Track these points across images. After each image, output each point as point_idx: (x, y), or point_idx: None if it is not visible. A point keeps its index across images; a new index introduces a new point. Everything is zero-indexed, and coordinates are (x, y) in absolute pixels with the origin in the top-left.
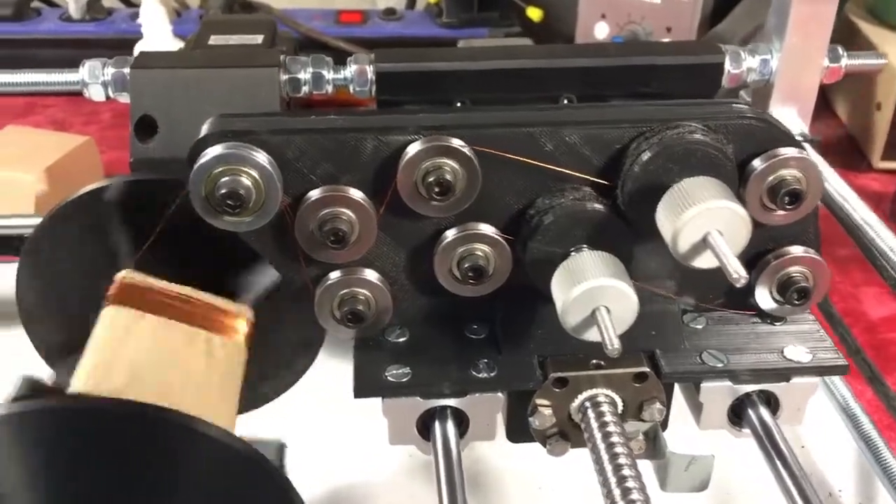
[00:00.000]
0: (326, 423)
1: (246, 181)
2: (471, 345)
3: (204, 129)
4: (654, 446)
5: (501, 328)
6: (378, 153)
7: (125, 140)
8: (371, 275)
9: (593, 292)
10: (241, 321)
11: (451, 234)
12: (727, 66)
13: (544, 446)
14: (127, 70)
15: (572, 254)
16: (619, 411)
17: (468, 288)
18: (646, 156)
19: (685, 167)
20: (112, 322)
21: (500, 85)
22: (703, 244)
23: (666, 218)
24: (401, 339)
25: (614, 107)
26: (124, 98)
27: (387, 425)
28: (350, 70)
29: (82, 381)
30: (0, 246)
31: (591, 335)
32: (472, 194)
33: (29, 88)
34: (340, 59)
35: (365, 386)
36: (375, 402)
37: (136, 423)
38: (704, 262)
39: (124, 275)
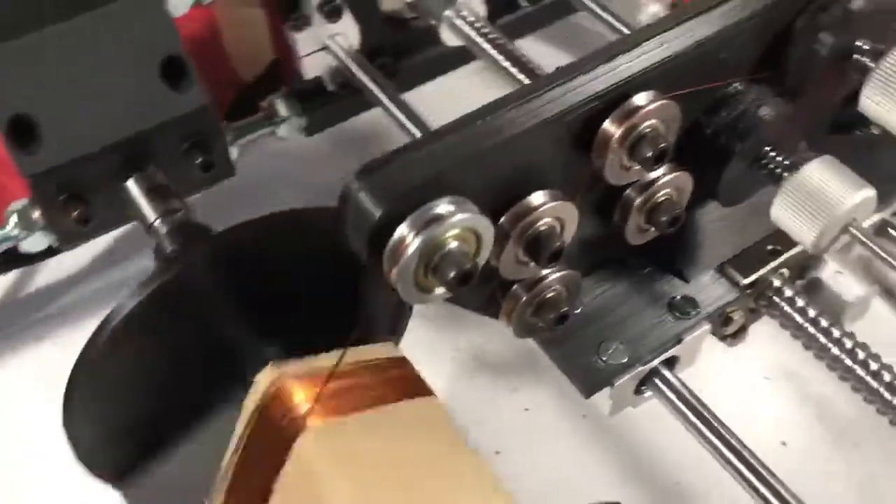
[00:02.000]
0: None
1: (466, 246)
2: (647, 283)
3: (365, 201)
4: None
5: (679, 253)
6: (562, 141)
7: None
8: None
9: (852, 209)
10: (408, 366)
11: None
12: None
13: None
14: None
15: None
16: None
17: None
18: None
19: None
20: (312, 457)
21: None
22: None
23: None
24: (579, 310)
25: None
26: None
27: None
28: None
29: None
30: None
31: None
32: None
33: None
34: None
35: (590, 380)
36: None
37: None
38: None
39: (272, 377)
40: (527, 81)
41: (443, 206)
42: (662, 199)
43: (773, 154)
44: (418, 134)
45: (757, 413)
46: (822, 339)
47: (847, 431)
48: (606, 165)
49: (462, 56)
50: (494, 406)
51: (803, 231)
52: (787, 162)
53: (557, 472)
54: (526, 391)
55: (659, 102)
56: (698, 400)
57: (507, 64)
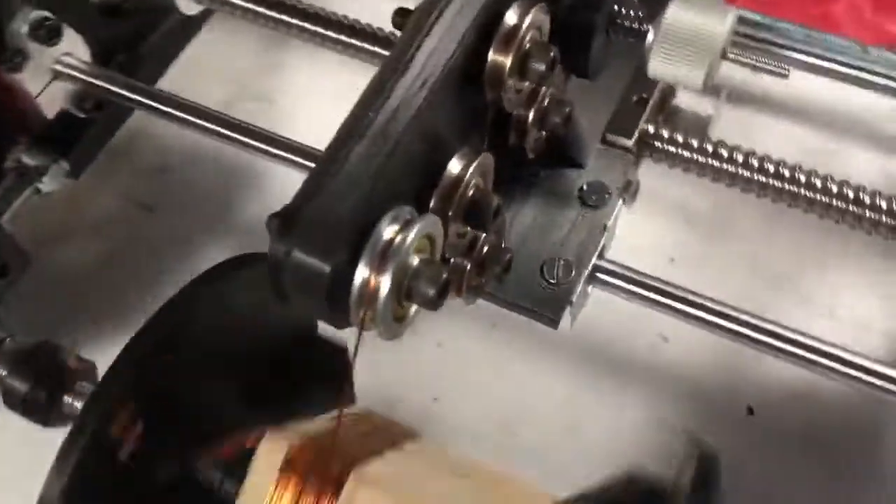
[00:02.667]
0: None
1: (425, 254)
2: (549, 188)
3: (306, 260)
4: None
5: (566, 143)
6: (455, 93)
7: None
8: None
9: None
10: (377, 416)
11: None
12: None
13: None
14: None
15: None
16: None
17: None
18: None
19: None
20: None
21: None
22: None
23: None
24: None
25: None
26: None
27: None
28: None
29: None
30: None
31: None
32: None
33: None
34: None
35: (551, 309)
36: None
37: None
38: None
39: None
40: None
41: (389, 229)
42: (548, 102)
43: (624, 12)
44: (197, 121)
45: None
46: (703, 159)
47: (728, 227)
48: (504, 94)
49: (199, 20)
50: (413, 351)
51: (691, 74)
52: (640, 14)
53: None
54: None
55: (532, 12)
56: (636, 271)
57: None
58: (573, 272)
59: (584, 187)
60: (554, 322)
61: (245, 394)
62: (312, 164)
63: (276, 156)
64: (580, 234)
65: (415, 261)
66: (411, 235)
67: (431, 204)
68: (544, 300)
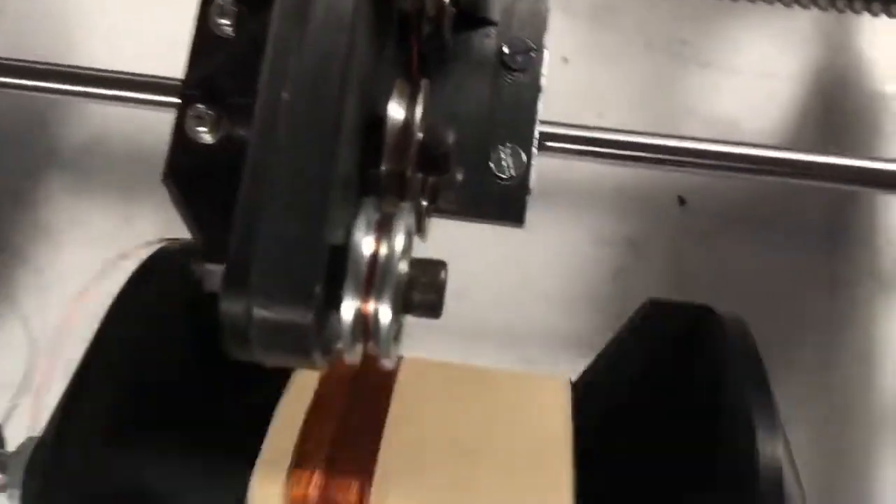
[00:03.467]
0: None
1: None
2: (464, 57)
3: (280, 313)
4: None
5: None
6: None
7: None
8: None
9: None
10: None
11: None
12: None
13: None
14: None
15: None
16: None
17: None
18: None
19: None
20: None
21: None
22: None
23: None
24: None
25: None
26: None
27: None
28: None
29: None
30: None
31: None
32: None
33: None
34: None
35: (512, 207)
36: None
37: None
38: None
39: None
40: None
41: (367, 241)
42: None
43: None
44: None
45: None
46: None
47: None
48: None
49: None
50: None
51: None
52: None
53: None
54: None
55: None
56: (583, 127)
57: None
58: (523, 156)
59: (503, 47)
60: (519, 222)
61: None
62: None
63: None
64: (515, 105)
65: (404, 268)
66: (397, 240)
67: (383, 168)
68: (502, 201)
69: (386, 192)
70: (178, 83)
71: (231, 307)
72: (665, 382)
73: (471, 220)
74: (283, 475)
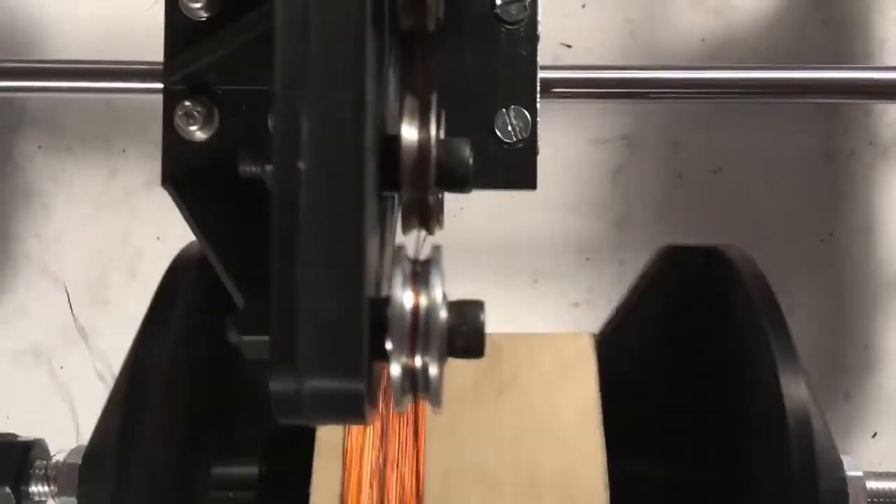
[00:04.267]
0: None
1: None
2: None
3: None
4: None
5: None
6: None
7: None
8: None
9: None
10: None
11: None
12: None
13: None
14: None
15: None
16: None
17: None
18: None
19: None
20: None
21: None
22: None
23: None
24: None
25: None
26: None
27: None
28: None
29: None
30: None
31: None
32: None
33: None
34: None
35: (522, 170)
36: None
37: None
38: None
39: None
40: None
41: (407, 297)
42: None
43: None
44: None
45: None
46: None
47: None
48: None
49: None
50: None
51: None
52: None
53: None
54: None
55: None
56: (579, 66)
57: None
58: (527, 115)
59: (497, 5)
60: (532, 187)
61: None
62: None
63: None
64: (516, 65)
65: (444, 314)
66: (436, 292)
67: (403, 196)
68: (511, 167)
69: (406, 217)
70: (158, 67)
71: (281, 386)
72: (685, 331)
73: (478, 189)
74: None
